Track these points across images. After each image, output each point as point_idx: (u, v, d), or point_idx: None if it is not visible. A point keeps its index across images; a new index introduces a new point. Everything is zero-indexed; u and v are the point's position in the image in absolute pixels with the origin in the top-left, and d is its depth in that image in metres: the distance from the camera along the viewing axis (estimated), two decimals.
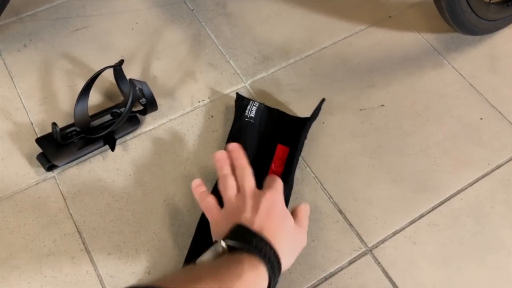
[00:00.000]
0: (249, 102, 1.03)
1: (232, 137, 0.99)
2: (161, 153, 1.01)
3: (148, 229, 0.92)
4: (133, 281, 0.86)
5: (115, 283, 0.86)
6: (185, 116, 1.07)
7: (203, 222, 0.88)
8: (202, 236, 0.87)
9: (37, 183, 0.96)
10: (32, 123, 1.04)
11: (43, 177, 0.97)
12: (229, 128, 1.03)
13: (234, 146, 0.85)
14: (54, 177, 0.97)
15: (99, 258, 0.89)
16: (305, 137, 1.01)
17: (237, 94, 1.06)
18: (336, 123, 1.07)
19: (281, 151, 0.98)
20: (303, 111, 1.06)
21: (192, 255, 0.85)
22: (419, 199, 0.98)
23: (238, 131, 0.99)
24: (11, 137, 1.01)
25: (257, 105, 1.02)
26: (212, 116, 1.07)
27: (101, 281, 0.87)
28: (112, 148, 0.97)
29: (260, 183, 0.83)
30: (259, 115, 1.01)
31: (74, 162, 0.98)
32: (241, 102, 1.04)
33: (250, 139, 0.97)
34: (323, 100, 1.06)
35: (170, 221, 0.92)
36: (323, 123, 1.07)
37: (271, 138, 1.00)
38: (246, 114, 1.00)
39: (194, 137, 1.04)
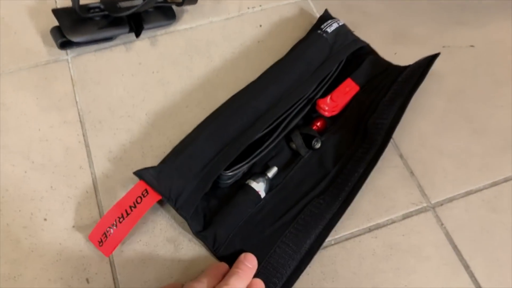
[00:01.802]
0: (332, 19, 0.83)
1: (295, 48, 0.79)
2: (193, 55, 0.84)
3: (162, 133, 0.76)
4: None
5: (110, 185, 0.71)
6: (229, 21, 0.90)
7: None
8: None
9: (46, 63, 0.82)
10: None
11: (55, 58, 0.83)
12: (277, 42, 0.85)
13: (249, 259, 0.62)
14: (67, 60, 0.82)
15: (98, 154, 0.73)
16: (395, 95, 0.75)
17: (326, 10, 0.86)
18: (409, 55, 0.86)
19: (349, 86, 0.78)
20: (367, 38, 0.86)
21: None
22: (505, 159, 0.76)
23: (305, 41, 0.80)
24: (29, 11, 0.88)
25: (340, 23, 0.82)
26: (260, 26, 0.89)
27: (94, 179, 0.71)
28: (137, 34, 0.81)
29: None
30: (336, 33, 0.80)
31: (93, 48, 0.83)
32: (323, 17, 0.84)
33: (316, 53, 0.77)
34: (436, 55, 0.79)
35: (188, 129, 0.75)
36: (395, 53, 0.86)
37: (342, 67, 0.80)
38: (322, 27, 0.81)
39: (235, 44, 0.86)
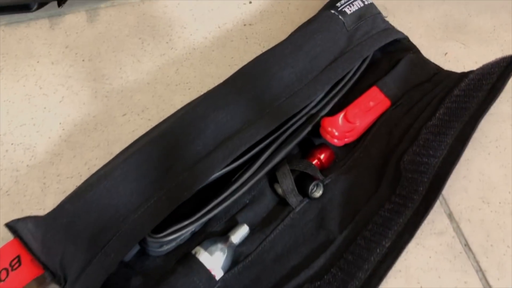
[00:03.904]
0: None
1: (295, 35, 0.52)
2: (146, 39, 0.58)
3: (79, 155, 0.50)
4: None
5: None
6: None
7: None
8: None
9: None
10: None
11: None
12: (272, 26, 0.58)
13: None
14: None
15: None
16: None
17: None
18: (468, 58, 0.58)
19: (375, 98, 0.50)
20: (406, 28, 0.58)
21: None
22: None
23: (310, 24, 0.52)
24: None
25: (367, 2, 0.55)
26: (250, 2, 0.62)
27: None
28: (60, 2, 0.55)
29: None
30: (359, 16, 0.53)
31: (2, 20, 0.57)
32: None
33: (327, 43, 0.50)
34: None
35: (118, 151, 0.48)
36: (446, 54, 0.58)
37: (366, 70, 0.52)
38: (338, 5, 0.53)
39: (209, 26, 0.59)
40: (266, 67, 0.48)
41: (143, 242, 0.40)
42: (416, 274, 0.44)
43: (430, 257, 0.45)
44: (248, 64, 0.49)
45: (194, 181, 0.40)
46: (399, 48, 0.55)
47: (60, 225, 0.38)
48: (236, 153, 0.42)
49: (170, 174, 0.41)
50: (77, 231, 0.38)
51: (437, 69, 0.54)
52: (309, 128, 0.47)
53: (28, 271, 0.38)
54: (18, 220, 0.40)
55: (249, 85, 0.46)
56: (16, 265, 0.38)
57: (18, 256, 0.39)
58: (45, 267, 0.38)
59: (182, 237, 0.42)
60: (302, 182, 0.46)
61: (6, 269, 0.38)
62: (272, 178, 0.47)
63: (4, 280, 0.38)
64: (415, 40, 0.57)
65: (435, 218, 0.47)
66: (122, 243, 0.37)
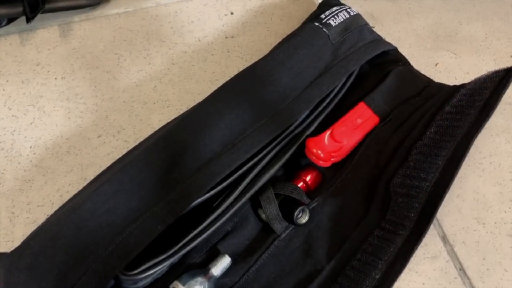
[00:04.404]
0: (340, 6, 0.53)
1: (278, 49, 0.49)
2: (122, 54, 0.55)
3: (51, 180, 0.47)
4: None
5: None
6: (185, 4, 0.59)
7: None
8: None
9: None
10: None
11: None
12: (254, 38, 0.55)
13: None
14: None
15: None
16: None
17: None
18: (460, 69, 0.56)
19: (362, 115, 0.48)
20: (394, 39, 0.55)
21: None
22: None
23: (294, 37, 0.50)
24: None
25: (352, 13, 0.52)
26: (232, 13, 0.59)
27: None
28: (29, 16, 0.52)
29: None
30: (344, 27, 0.51)
31: None
32: (326, 3, 0.54)
33: (311, 58, 0.48)
34: (510, 71, 0.46)
35: (93, 176, 0.45)
36: (436, 64, 0.56)
37: (353, 85, 0.50)
38: (323, 17, 0.50)
39: (189, 39, 0.57)
40: (247, 86, 0.45)
41: (116, 279, 0.37)
42: None
43: (423, 284, 0.43)
44: (228, 81, 0.47)
45: (171, 210, 0.38)
46: (387, 60, 0.53)
47: (24, 264, 0.35)
48: (218, 176, 0.39)
49: (145, 203, 0.38)
50: (43, 271, 0.35)
51: (428, 82, 0.51)
52: (293, 149, 0.44)
53: None
54: None
55: (229, 104, 0.44)
56: None
57: None
58: None
59: (158, 271, 0.39)
60: (287, 207, 0.43)
61: None
62: (255, 202, 0.44)
63: None
64: (404, 50, 0.55)
65: (428, 241, 0.44)
66: (93, 283, 0.34)
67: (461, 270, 0.44)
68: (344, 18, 0.50)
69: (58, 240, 0.36)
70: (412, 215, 0.40)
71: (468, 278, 0.43)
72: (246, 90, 0.44)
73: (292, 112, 0.44)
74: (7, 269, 0.36)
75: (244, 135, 0.42)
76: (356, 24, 0.51)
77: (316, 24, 0.50)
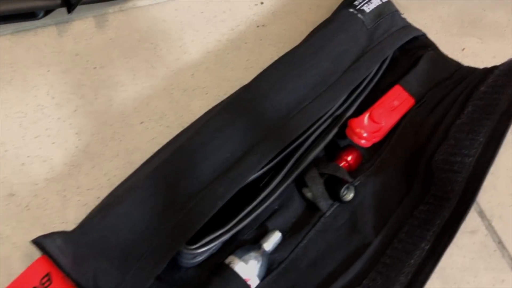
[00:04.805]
0: None
1: (314, 36, 0.50)
2: (158, 44, 0.56)
3: (98, 165, 0.48)
4: None
5: (2, 254, 0.43)
6: None
7: None
8: None
9: None
10: None
11: None
12: (286, 27, 0.57)
13: None
14: None
15: None
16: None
17: None
18: (486, 54, 0.58)
19: (398, 97, 0.49)
20: (421, 26, 0.57)
21: None
22: None
23: (329, 24, 0.51)
24: None
25: (384, 0, 0.54)
26: (262, 3, 0.60)
27: None
28: (70, 7, 0.53)
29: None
30: (378, 13, 0.52)
31: (8, 28, 0.56)
32: None
33: (348, 43, 0.49)
34: None
35: (140, 160, 0.46)
36: (463, 49, 0.58)
37: (385, 70, 0.51)
38: (357, 4, 0.52)
39: (222, 29, 0.58)
40: (287, 71, 0.47)
41: (177, 255, 0.38)
42: (452, 275, 0.44)
43: (464, 257, 0.44)
44: (267, 69, 0.48)
45: (226, 189, 0.39)
46: (417, 46, 0.54)
47: (92, 240, 0.37)
48: (267, 157, 0.41)
49: (199, 183, 0.40)
50: (110, 246, 0.37)
51: (458, 65, 0.53)
52: (335, 130, 0.46)
53: None
54: (45, 236, 0.38)
55: (273, 88, 0.45)
56: (47, 283, 0.37)
57: (48, 274, 0.37)
58: (77, 284, 0.37)
59: (214, 247, 0.40)
60: (332, 186, 0.45)
61: None
62: (299, 182, 0.46)
63: None
64: (431, 36, 0.57)
65: (467, 217, 0.46)
66: (157, 258, 0.36)
67: (500, 243, 0.45)
68: (377, 4, 0.52)
69: (122, 218, 0.37)
70: (457, 188, 0.41)
71: (506, 251, 0.45)
72: (295, 70, 0.46)
73: (334, 94, 0.46)
74: (75, 245, 0.37)
75: (289, 117, 0.44)
76: (388, 10, 0.53)
77: (351, 10, 0.51)
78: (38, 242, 0.38)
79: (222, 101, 0.48)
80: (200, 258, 0.40)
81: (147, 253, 0.36)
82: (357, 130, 0.46)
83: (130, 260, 0.36)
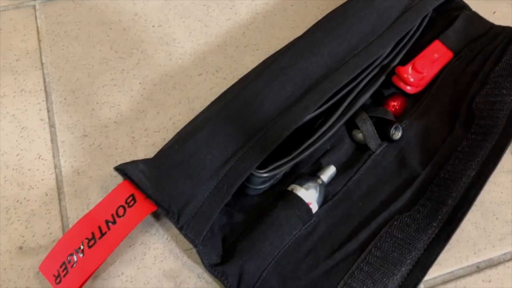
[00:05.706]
0: None
1: None
2: (211, 5, 0.60)
3: (162, 111, 0.52)
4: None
5: (81, 185, 0.47)
6: None
7: None
8: None
9: (5, 9, 0.58)
10: None
11: (18, 2, 0.59)
12: None
13: None
14: (34, 6, 0.59)
15: (67, 139, 0.50)
16: None
17: None
18: None
19: (438, 51, 0.53)
20: None
21: None
22: None
23: None
24: None
25: None
26: None
27: (58, 176, 0.48)
28: None
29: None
30: None
31: None
32: None
33: (392, 0, 0.53)
34: None
35: (200, 106, 0.50)
36: (494, 12, 0.62)
37: (424, 28, 0.55)
38: None
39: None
40: (338, 23, 0.51)
41: (246, 180, 0.43)
42: (491, 208, 0.48)
43: (502, 193, 0.48)
44: (319, 22, 0.52)
45: (289, 123, 0.43)
46: (453, 7, 0.58)
47: (173, 163, 0.41)
48: (324, 97, 0.45)
49: (265, 118, 0.44)
50: (190, 167, 0.41)
51: (492, 25, 0.57)
52: (383, 77, 0.50)
53: (144, 207, 0.41)
54: (127, 163, 0.43)
55: (327, 37, 0.49)
56: (132, 202, 0.41)
57: (133, 194, 0.41)
58: (158, 204, 0.41)
59: (277, 176, 0.44)
60: (380, 127, 0.49)
61: (123, 206, 0.41)
62: (350, 126, 0.50)
63: (122, 215, 0.41)
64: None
65: (502, 158, 0.50)
66: (235, 175, 0.40)
67: None
68: None
69: (200, 143, 0.42)
70: (499, 123, 0.45)
71: None
72: (345, 22, 0.50)
73: (382, 43, 0.50)
74: (158, 168, 0.41)
75: (354, 53, 0.48)
76: None
77: None
78: (120, 169, 0.42)
79: (280, 49, 0.52)
80: (265, 186, 0.44)
81: (227, 173, 0.41)
82: (405, 75, 0.50)
83: (207, 180, 0.40)
